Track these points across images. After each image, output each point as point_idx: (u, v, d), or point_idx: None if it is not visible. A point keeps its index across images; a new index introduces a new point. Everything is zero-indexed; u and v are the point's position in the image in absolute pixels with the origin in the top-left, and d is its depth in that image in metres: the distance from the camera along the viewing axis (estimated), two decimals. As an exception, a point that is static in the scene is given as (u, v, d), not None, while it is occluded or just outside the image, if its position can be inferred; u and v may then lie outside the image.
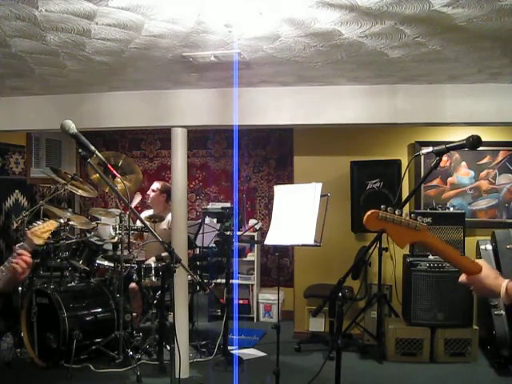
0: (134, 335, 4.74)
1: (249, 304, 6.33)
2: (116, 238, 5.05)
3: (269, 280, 6.66)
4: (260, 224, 6.52)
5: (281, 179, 6.60)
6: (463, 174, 5.42)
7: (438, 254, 1.78)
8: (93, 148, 2.13)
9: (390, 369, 4.62)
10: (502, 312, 4.65)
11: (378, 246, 4.93)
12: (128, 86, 4.29)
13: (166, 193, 5.47)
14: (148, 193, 5.57)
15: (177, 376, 2.86)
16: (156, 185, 5.53)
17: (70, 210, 5.24)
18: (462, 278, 1.78)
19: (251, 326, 5.95)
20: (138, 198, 5.84)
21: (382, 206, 1.75)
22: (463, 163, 5.41)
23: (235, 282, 5.56)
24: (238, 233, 5.52)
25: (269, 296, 6.29)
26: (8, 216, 5.85)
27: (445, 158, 4.86)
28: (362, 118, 4.19)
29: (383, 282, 5.15)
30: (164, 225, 5.31)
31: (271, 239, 3.82)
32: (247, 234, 6.13)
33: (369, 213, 1.75)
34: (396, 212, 1.74)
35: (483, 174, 5.38)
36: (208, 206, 6.28)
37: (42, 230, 2.07)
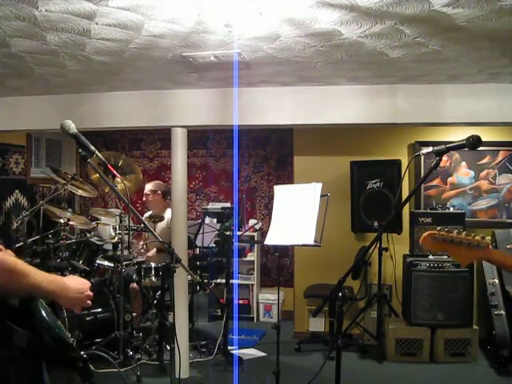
0: (134, 335, 4.73)
1: (249, 304, 6.33)
2: (116, 237, 5.05)
3: (269, 280, 6.66)
4: (260, 224, 6.52)
5: (281, 179, 6.60)
6: (463, 174, 5.42)
7: (503, 268, 1.79)
8: (93, 148, 2.13)
9: (390, 369, 4.62)
10: (502, 312, 4.65)
11: (377, 245, 4.93)
12: (128, 86, 4.29)
13: (161, 191, 5.45)
14: (144, 198, 5.55)
15: (177, 376, 2.86)
16: (148, 187, 5.49)
17: (69, 209, 5.24)
18: None
19: (251, 326, 5.95)
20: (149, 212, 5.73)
21: (439, 228, 1.71)
22: (463, 163, 5.40)
23: (235, 281, 5.56)
24: (238, 233, 5.52)
25: (269, 296, 6.29)
26: (8, 216, 5.85)
27: (445, 158, 4.86)
28: (362, 118, 4.19)
29: (383, 282, 5.15)
30: (163, 224, 5.30)
31: (271, 239, 3.82)
32: (247, 233, 6.13)
33: (425, 234, 1.71)
34: (454, 232, 1.70)
35: (483, 174, 5.38)
36: (208, 206, 6.27)
37: None
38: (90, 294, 1.79)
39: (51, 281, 1.68)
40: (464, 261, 1.74)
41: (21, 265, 1.62)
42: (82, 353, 1.71)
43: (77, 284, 1.76)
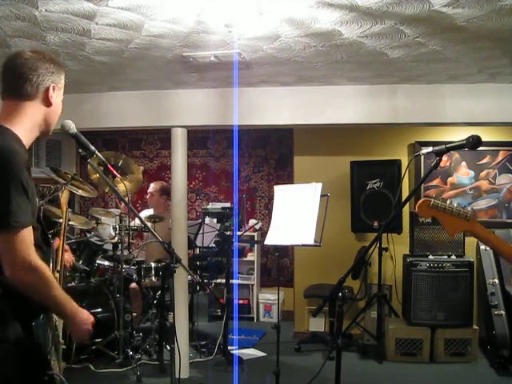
0: (134, 335, 4.74)
1: (249, 304, 6.33)
2: (116, 238, 5.05)
3: (269, 280, 6.66)
4: (260, 224, 6.52)
5: (281, 179, 6.60)
6: (463, 174, 5.42)
7: (485, 242, 1.95)
8: (93, 148, 2.12)
9: (390, 369, 4.62)
10: (502, 312, 4.65)
11: (377, 246, 4.93)
12: (128, 86, 4.29)
13: (165, 193, 5.44)
14: (148, 197, 5.53)
15: (177, 376, 2.86)
16: (153, 186, 5.48)
17: (69, 210, 5.23)
18: None
19: (251, 326, 5.95)
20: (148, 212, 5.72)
21: (434, 195, 1.85)
22: (463, 163, 5.40)
23: (235, 281, 5.55)
24: (238, 233, 5.51)
25: (269, 296, 6.29)
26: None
27: (445, 157, 4.84)
28: (361, 118, 4.19)
29: (383, 282, 5.14)
30: (166, 226, 5.27)
31: (271, 239, 3.82)
32: (247, 233, 6.13)
33: (420, 200, 1.84)
34: (447, 201, 1.85)
35: (483, 173, 5.38)
36: (208, 206, 6.26)
37: None
38: (90, 328, 1.86)
39: (68, 301, 1.78)
40: (452, 230, 1.89)
41: (51, 276, 1.75)
42: (55, 371, 1.81)
43: (84, 314, 1.85)
